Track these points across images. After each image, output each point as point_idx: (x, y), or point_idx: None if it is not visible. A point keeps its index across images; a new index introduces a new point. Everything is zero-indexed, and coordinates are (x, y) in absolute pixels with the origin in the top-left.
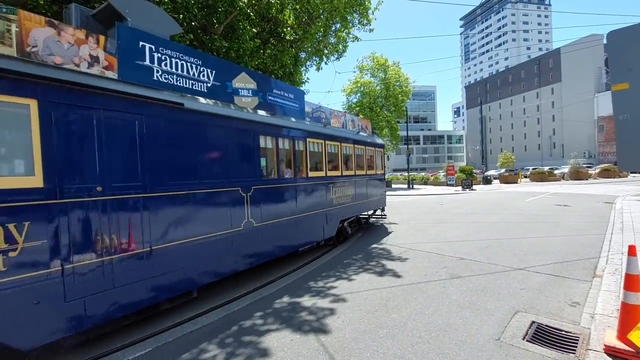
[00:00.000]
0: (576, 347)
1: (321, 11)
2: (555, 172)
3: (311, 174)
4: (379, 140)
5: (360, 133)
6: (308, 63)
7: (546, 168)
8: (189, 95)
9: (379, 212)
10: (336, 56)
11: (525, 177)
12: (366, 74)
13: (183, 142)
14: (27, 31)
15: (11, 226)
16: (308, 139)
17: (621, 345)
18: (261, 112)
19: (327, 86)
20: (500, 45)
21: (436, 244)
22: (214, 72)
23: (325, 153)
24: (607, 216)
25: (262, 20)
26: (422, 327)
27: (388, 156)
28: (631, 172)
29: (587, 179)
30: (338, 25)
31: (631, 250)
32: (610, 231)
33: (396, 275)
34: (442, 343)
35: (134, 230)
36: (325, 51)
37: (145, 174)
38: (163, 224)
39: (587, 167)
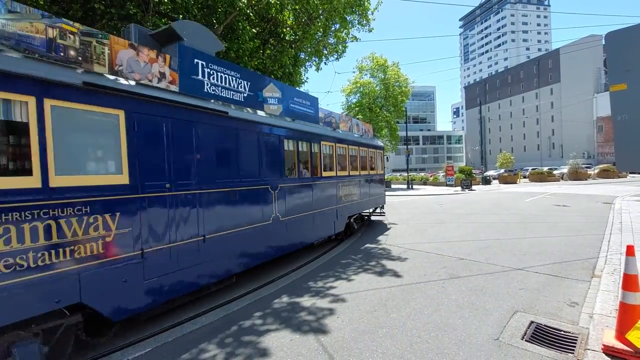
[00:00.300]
0: (575, 347)
1: (320, 11)
2: (555, 172)
3: (324, 173)
4: (379, 143)
5: (364, 136)
6: (307, 63)
7: (545, 168)
8: (232, 104)
9: (378, 209)
10: (336, 56)
11: (525, 177)
12: (366, 75)
13: (226, 145)
14: (115, 52)
15: (107, 216)
16: (322, 142)
17: (619, 345)
18: (286, 118)
19: (327, 86)
20: (499, 45)
21: (435, 244)
22: (249, 83)
23: (335, 155)
24: (606, 216)
25: (261, 21)
26: (421, 327)
27: (387, 157)
28: (630, 173)
29: (586, 180)
30: (337, 26)
31: (629, 251)
32: (609, 231)
33: (395, 275)
34: (441, 343)
35: (192, 221)
36: (325, 51)
37: (199, 173)
38: (213, 217)
39: (586, 167)
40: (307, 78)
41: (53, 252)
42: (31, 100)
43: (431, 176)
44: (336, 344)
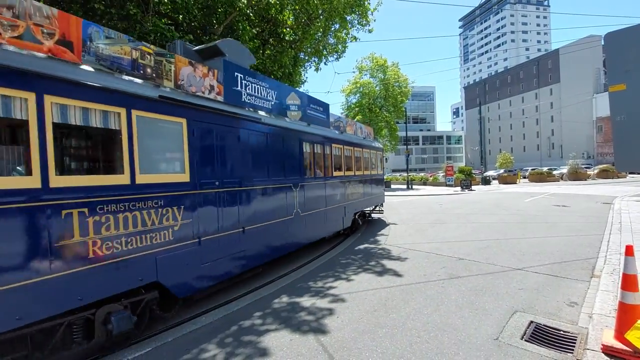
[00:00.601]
0: (574, 346)
1: (320, 12)
2: (554, 172)
3: (334, 173)
4: (379, 145)
5: (366, 138)
6: (307, 64)
7: (545, 169)
8: (263, 111)
9: (378, 207)
10: (335, 56)
11: (524, 177)
12: (365, 75)
13: (259, 148)
14: (178, 69)
15: (175, 208)
16: (333, 145)
17: (619, 345)
18: (304, 123)
19: (326, 86)
20: (499, 46)
21: (435, 244)
22: (275, 92)
23: (343, 156)
24: (606, 217)
25: (261, 21)
26: (421, 327)
27: (387, 158)
28: (629, 173)
29: (585, 180)
30: (337, 26)
31: (628, 251)
32: (609, 231)
33: (395, 275)
34: (441, 343)
35: (234, 215)
36: (325, 52)
37: (239, 173)
38: (250, 211)
39: (586, 167)
40: (306, 78)
41: (138, 237)
42: (122, 112)
43: (431, 176)
44: (336, 344)
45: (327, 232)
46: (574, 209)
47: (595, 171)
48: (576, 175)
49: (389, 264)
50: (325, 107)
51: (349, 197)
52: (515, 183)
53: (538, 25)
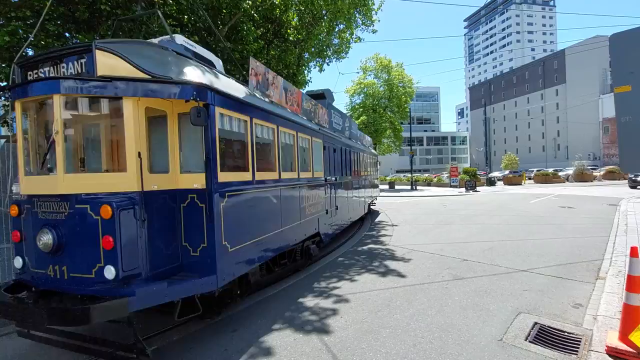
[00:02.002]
0: (578, 348)
1: (324, 12)
2: (560, 173)
3: (362, 173)
4: (376, 152)
5: (370, 147)
6: (311, 64)
7: (550, 170)
8: (337, 133)
9: (374, 200)
10: (337, 57)
11: (530, 178)
12: (369, 75)
13: (341, 156)
14: (320, 111)
15: (322, 189)
16: (359, 152)
17: (623, 347)
18: (349, 138)
19: (329, 86)
20: (504, 46)
21: (439, 245)
22: (336, 115)
23: (361, 160)
24: (612, 218)
25: (266, 22)
26: (424, 328)
27: (380, 162)
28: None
29: (591, 181)
30: (342, 26)
31: (633, 252)
32: (615, 233)
33: (399, 276)
34: (445, 343)
35: (335, 197)
36: (329, 52)
37: (338, 171)
38: (336, 197)
39: (592, 169)
40: (310, 79)
41: (313, 206)
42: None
43: (435, 177)
44: (340, 344)
45: (361, 213)
46: (580, 210)
47: (602, 172)
48: (582, 176)
49: (392, 264)
50: (353, 124)
51: (366, 191)
52: (521, 184)
53: (544, 25)
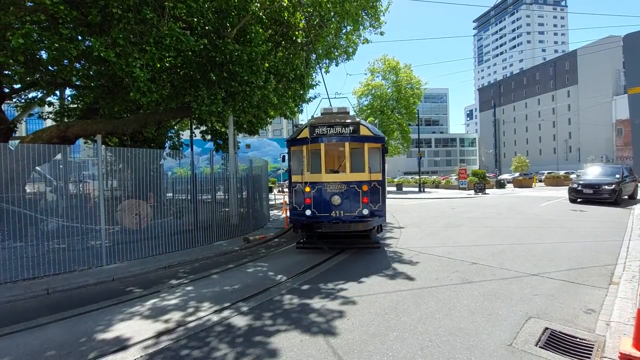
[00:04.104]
0: (591, 354)
1: (332, 14)
2: (571, 176)
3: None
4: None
5: None
6: (318, 66)
7: (562, 172)
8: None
9: None
10: (345, 57)
11: (540, 181)
12: (377, 77)
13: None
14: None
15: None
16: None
17: (637, 354)
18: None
19: (335, 87)
20: (514, 47)
21: (447, 248)
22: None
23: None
24: (625, 222)
25: (274, 24)
26: (432, 331)
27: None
28: None
29: None
30: (349, 28)
31: None
32: (628, 237)
33: (407, 278)
34: (453, 347)
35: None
36: (336, 53)
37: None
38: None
39: None
40: (318, 82)
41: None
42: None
43: (443, 179)
44: (346, 346)
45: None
46: (592, 213)
47: None
48: None
49: (400, 267)
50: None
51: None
52: (531, 187)
53: (555, 25)
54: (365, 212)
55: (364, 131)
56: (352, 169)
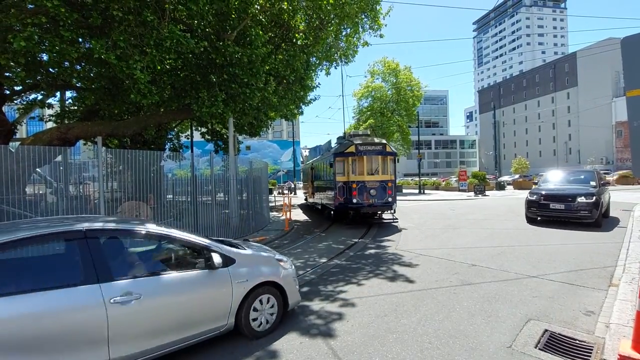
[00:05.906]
0: (590, 356)
1: (332, 16)
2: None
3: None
4: None
5: None
6: (318, 68)
7: None
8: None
9: None
10: (345, 61)
11: None
12: (377, 79)
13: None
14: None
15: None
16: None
17: (636, 356)
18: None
19: (335, 90)
20: (514, 49)
21: (447, 250)
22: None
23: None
24: (625, 224)
25: (274, 26)
26: (432, 333)
27: (398, 159)
28: None
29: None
30: (349, 30)
31: None
32: (628, 239)
33: (406, 280)
34: (452, 349)
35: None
36: (336, 56)
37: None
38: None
39: (605, 173)
40: (318, 84)
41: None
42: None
43: (443, 181)
44: (346, 348)
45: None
46: None
47: (615, 177)
48: None
49: (399, 269)
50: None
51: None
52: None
53: (555, 27)
54: (390, 199)
55: (387, 149)
56: (382, 172)
